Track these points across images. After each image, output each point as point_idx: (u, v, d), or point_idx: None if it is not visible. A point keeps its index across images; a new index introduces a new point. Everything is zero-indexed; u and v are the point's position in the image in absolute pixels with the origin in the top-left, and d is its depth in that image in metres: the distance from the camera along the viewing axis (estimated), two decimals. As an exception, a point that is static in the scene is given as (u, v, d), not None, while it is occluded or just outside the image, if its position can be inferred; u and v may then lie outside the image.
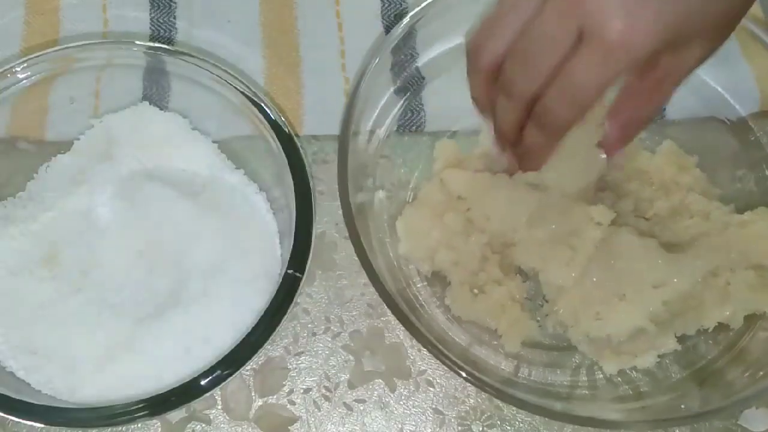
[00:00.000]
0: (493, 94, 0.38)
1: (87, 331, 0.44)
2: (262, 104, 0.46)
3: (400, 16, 0.53)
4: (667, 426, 0.45)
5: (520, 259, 0.47)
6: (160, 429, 0.44)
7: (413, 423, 0.46)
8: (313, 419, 0.45)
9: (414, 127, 0.52)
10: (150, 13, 0.54)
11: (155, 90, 0.51)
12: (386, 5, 0.55)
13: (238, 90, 0.47)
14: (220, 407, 0.45)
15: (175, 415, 0.45)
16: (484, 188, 0.48)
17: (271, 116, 0.46)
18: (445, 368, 0.42)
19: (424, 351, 0.44)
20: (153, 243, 0.46)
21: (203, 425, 0.45)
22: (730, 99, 0.51)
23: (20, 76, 0.47)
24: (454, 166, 0.50)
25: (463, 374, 0.41)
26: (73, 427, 0.41)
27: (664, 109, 0.53)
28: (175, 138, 0.49)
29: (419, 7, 0.49)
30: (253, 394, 0.46)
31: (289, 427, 0.45)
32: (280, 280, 0.43)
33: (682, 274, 0.45)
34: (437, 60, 0.52)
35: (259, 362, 0.46)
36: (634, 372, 0.46)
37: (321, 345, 0.47)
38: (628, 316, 0.45)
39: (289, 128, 0.46)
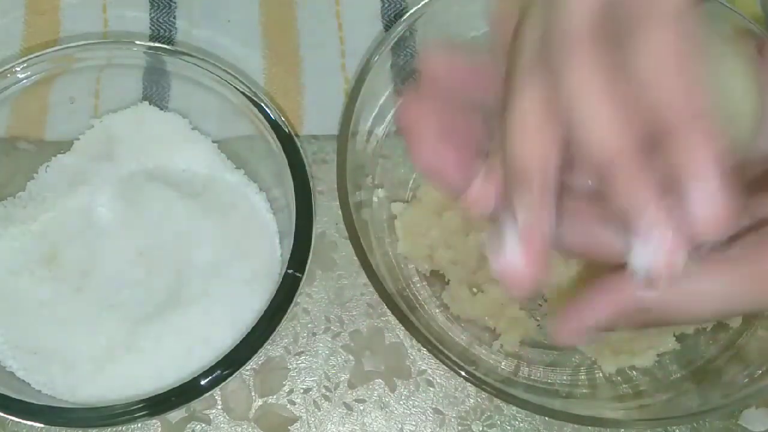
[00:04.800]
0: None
1: (87, 331, 0.44)
2: (262, 104, 0.46)
3: (400, 16, 0.53)
4: (666, 425, 0.45)
5: None
6: (160, 429, 0.44)
7: (413, 423, 0.46)
8: (313, 419, 0.45)
9: (413, 127, 0.52)
10: (150, 13, 0.54)
11: (155, 90, 0.51)
12: (386, 5, 0.55)
13: (238, 90, 0.47)
14: (220, 407, 0.45)
15: (175, 415, 0.45)
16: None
17: (271, 116, 0.46)
18: (445, 368, 0.43)
19: (424, 351, 0.44)
20: (153, 243, 0.46)
21: (203, 425, 0.45)
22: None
23: (20, 76, 0.47)
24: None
25: (463, 374, 0.41)
26: (73, 427, 0.41)
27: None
28: (175, 138, 0.49)
29: (418, 6, 0.49)
30: (253, 394, 0.46)
31: (289, 427, 0.45)
32: (280, 280, 0.43)
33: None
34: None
35: (259, 362, 0.46)
36: (633, 371, 0.46)
37: (321, 345, 0.47)
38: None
39: (289, 128, 0.46)
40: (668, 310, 0.30)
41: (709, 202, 0.25)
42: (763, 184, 0.32)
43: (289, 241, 0.44)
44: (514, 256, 0.29)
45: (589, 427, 0.44)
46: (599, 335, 0.32)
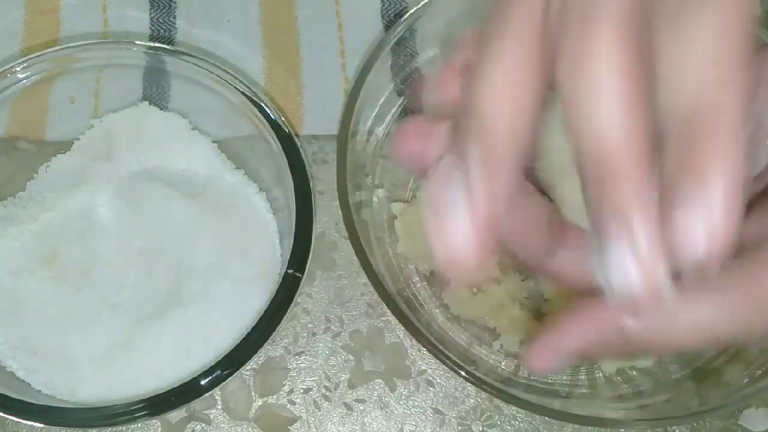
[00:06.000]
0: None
1: (87, 331, 0.44)
2: (262, 104, 0.46)
3: (400, 16, 0.53)
4: (666, 425, 0.45)
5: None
6: (160, 429, 0.44)
7: (413, 423, 0.46)
8: (313, 419, 0.45)
9: (414, 127, 0.52)
10: (150, 13, 0.54)
11: (155, 90, 0.51)
12: (386, 5, 0.55)
13: (238, 90, 0.47)
14: (220, 407, 0.45)
15: (175, 415, 0.45)
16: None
17: (271, 116, 0.46)
18: (445, 368, 0.43)
19: (424, 351, 0.44)
20: (153, 243, 0.46)
21: (203, 425, 0.45)
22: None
23: (20, 76, 0.47)
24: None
25: (463, 374, 0.41)
26: (73, 427, 0.41)
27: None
28: (175, 138, 0.49)
29: (418, 6, 0.49)
30: (253, 394, 0.46)
31: (289, 427, 0.45)
32: (280, 280, 0.43)
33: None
34: (437, 59, 0.52)
35: (259, 362, 0.46)
36: (633, 371, 0.46)
37: (321, 345, 0.47)
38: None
39: (289, 128, 0.46)
40: (650, 339, 0.27)
41: (709, 216, 0.21)
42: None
43: (289, 241, 0.44)
44: (457, 223, 0.23)
45: (589, 427, 0.44)
46: (575, 361, 0.30)
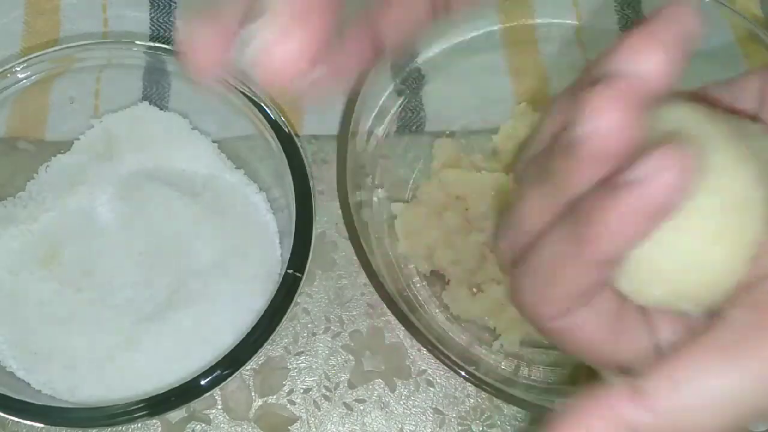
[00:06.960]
0: None
1: (87, 331, 0.44)
2: (262, 104, 0.46)
3: (399, 16, 0.53)
4: (666, 425, 0.45)
5: None
6: (160, 429, 0.44)
7: (413, 423, 0.46)
8: (313, 419, 0.45)
9: (413, 127, 0.52)
10: (150, 13, 0.54)
11: (155, 90, 0.51)
12: (386, 5, 0.55)
13: (238, 90, 0.47)
14: (220, 407, 0.45)
15: (175, 415, 0.45)
16: (482, 187, 0.48)
17: (271, 116, 0.46)
18: (445, 368, 0.42)
19: (424, 351, 0.44)
20: (153, 243, 0.46)
21: (203, 425, 0.45)
22: (729, 99, 0.51)
23: (20, 76, 0.47)
24: (453, 166, 0.50)
25: (463, 374, 0.41)
26: (73, 427, 0.41)
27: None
28: (175, 138, 0.49)
29: (419, 6, 0.49)
30: (253, 394, 0.46)
31: (289, 427, 0.45)
32: (280, 280, 0.43)
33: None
34: (437, 59, 0.52)
35: (259, 362, 0.46)
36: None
37: (321, 345, 0.47)
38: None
39: (289, 128, 0.46)
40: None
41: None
42: None
43: (289, 241, 0.44)
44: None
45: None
46: None
